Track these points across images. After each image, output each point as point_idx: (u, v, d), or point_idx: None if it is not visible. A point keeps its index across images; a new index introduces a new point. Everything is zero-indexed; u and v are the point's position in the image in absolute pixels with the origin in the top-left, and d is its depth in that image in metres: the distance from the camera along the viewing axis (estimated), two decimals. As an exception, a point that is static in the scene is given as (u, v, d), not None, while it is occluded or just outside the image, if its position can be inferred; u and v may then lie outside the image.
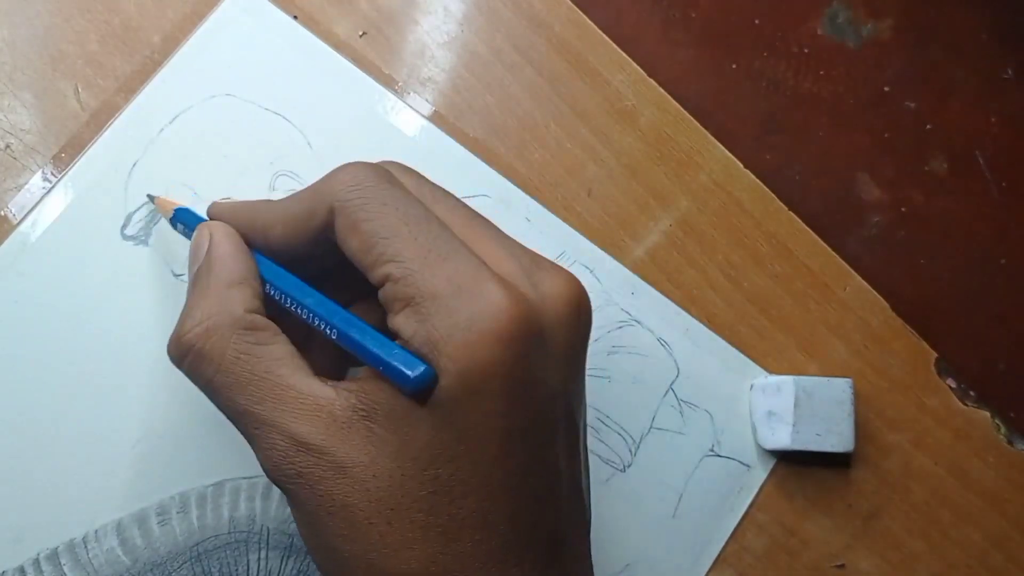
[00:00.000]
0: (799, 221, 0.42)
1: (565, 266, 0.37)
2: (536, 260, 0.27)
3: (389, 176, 0.26)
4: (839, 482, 0.41)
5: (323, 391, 0.25)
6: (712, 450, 0.40)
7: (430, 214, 0.26)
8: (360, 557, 0.24)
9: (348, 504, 0.24)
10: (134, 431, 0.35)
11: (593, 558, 0.29)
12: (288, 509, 0.37)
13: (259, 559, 0.37)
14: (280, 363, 0.25)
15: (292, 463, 0.24)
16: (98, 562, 0.35)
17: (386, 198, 0.25)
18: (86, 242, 0.35)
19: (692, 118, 0.42)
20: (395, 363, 0.23)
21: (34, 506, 0.34)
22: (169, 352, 0.27)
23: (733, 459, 0.40)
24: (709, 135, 0.42)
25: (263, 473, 0.35)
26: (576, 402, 0.27)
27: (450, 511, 0.24)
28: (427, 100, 0.39)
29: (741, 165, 0.42)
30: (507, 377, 0.23)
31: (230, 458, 0.36)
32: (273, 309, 0.28)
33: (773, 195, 0.42)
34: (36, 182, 0.35)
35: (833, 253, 0.42)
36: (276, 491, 0.37)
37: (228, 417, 0.26)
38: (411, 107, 0.39)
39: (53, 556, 0.35)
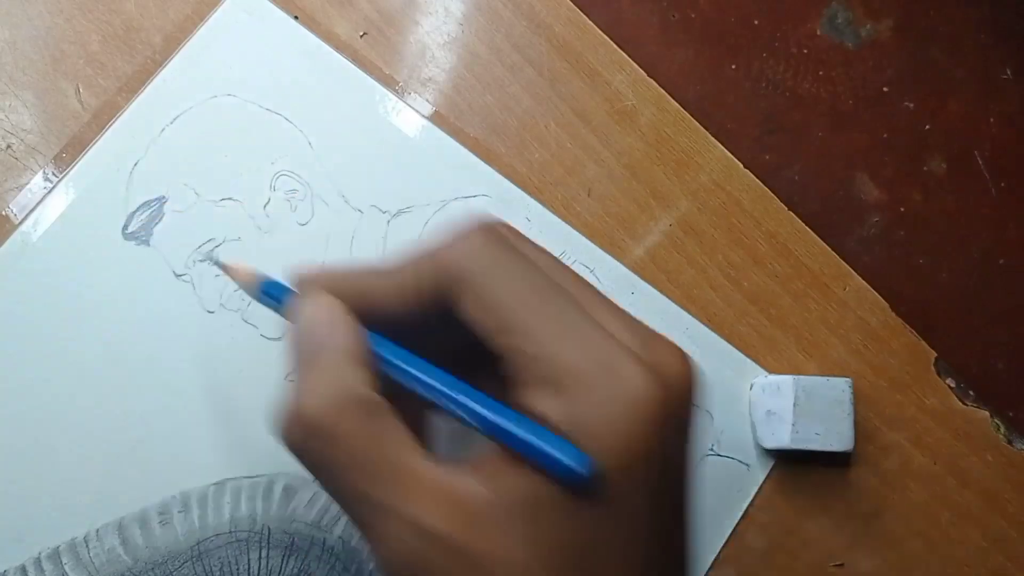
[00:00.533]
0: (799, 221, 0.42)
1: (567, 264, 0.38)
2: (648, 333, 0.26)
3: (510, 244, 0.25)
4: (838, 482, 0.41)
5: (448, 476, 0.23)
6: (712, 449, 0.40)
7: (557, 286, 0.24)
8: None
9: None
10: (135, 431, 0.35)
11: None
12: (288, 508, 0.37)
13: (260, 558, 0.37)
14: (403, 445, 0.24)
15: (415, 553, 0.22)
16: (99, 561, 0.34)
17: (514, 270, 0.24)
18: (87, 242, 0.35)
19: (692, 118, 0.42)
20: (563, 458, 0.22)
21: (35, 505, 0.34)
22: (286, 431, 0.24)
23: (733, 459, 0.40)
24: (709, 135, 0.42)
25: (264, 472, 0.37)
26: (689, 467, 0.26)
27: None
28: (427, 100, 0.39)
29: (741, 165, 0.42)
30: (657, 460, 0.23)
31: (231, 458, 0.36)
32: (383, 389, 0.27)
33: (773, 195, 0.42)
34: (37, 182, 0.35)
35: (833, 253, 0.42)
36: (277, 491, 0.36)
37: (340, 501, 0.24)
38: (411, 107, 0.39)
39: (55, 555, 0.35)
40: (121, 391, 0.35)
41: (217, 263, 0.33)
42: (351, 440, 0.23)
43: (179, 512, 0.36)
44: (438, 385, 0.24)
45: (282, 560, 0.37)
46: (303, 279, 0.28)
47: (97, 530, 0.34)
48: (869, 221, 0.45)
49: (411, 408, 0.26)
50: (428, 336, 0.27)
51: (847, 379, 0.39)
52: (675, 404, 0.24)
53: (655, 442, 0.23)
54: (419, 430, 0.27)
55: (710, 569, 0.39)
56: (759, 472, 0.40)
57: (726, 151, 0.42)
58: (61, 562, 0.34)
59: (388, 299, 0.26)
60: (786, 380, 0.39)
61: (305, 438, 0.24)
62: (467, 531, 0.22)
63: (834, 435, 0.39)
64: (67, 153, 0.35)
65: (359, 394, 0.24)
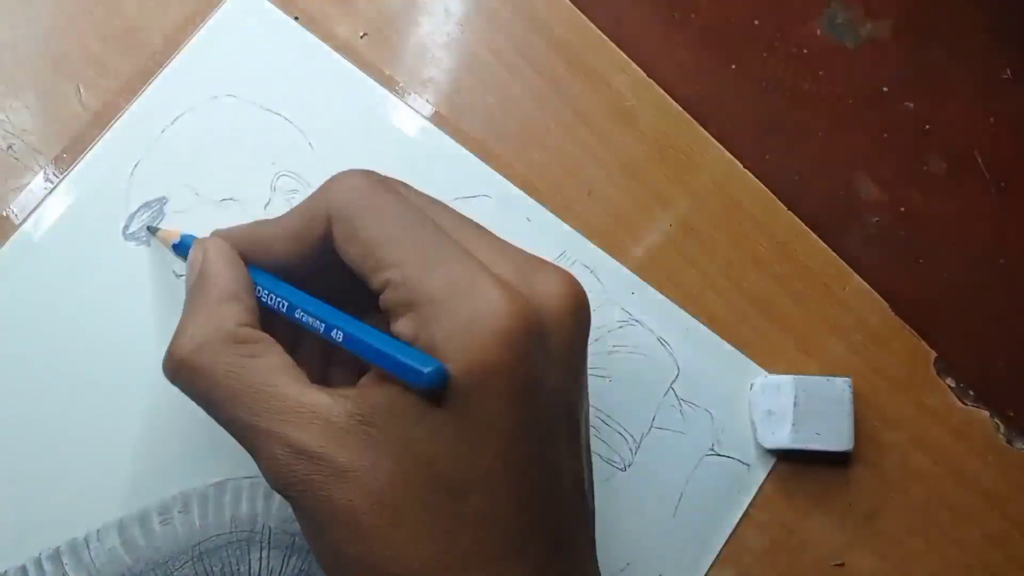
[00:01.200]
0: (799, 222, 0.42)
1: (565, 266, 0.38)
2: (532, 261, 0.27)
3: (383, 182, 0.27)
4: (839, 481, 0.41)
5: (319, 398, 0.25)
6: (712, 449, 0.40)
7: (426, 218, 0.26)
8: (364, 559, 0.24)
9: (351, 508, 0.24)
10: (135, 431, 0.34)
11: (599, 553, 0.28)
12: (290, 509, 0.37)
13: (261, 558, 0.37)
14: (274, 373, 0.26)
15: (293, 471, 0.24)
16: (100, 561, 0.34)
17: (382, 205, 0.26)
18: (88, 243, 0.35)
19: (692, 119, 0.41)
20: (408, 360, 0.23)
21: (35, 505, 0.33)
22: (164, 369, 0.27)
23: (733, 458, 0.40)
24: (709, 136, 0.42)
25: None
26: (577, 401, 0.27)
27: (452, 509, 0.24)
28: (428, 101, 0.39)
29: (741, 165, 0.42)
30: (509, 376, 0.23)
31: (232, 458, 0.35)
32: (268, 322, 0.28)
33: (773, 196, 0.42)
34: (38, 183, 0.35)
35: (832, 253, 0.42)
36: None
37: (228, 430, 0.26)
38: (412, 108, 0.39)
39: (55, 555, 0.34)
40: (121, 391, 0.34)
41: (149, 229, 0.34)
42: (220, 374, 0.25)
43: (180, 512, 0.36)
44: (311, 309, 0.26)
45: (283, 560, 0.37)
46: (212, 234, 0.30)
47: (98, 530, 0.35)
48: (869, 221, 0.45)
49: (293, 340, 0.29)
50: (325, 280, 0.28)
51: (847, 378, 0.39)
52: (541, 324, 0.24)
53: (506, 356, 0.23)
54: (301, 360, 0.28)
55: (710, 568, 0.39)
56: (759, 471, 0.40)
57: (726, 152, 0.42)
58: (62, 562, 0.34)
59: (278, 243, 0.28)
60: (786, 380, 0.39)
61: (181, 376, 0.26)
62: (328, 443, 0.24)
63: (834, 435, 0.38)
64: (68, 154, 0.35)
65: (227, 330, 0.26)
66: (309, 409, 0.24)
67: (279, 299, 0.28)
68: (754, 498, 0.40)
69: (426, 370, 0.23)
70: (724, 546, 0.39)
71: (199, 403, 0.27)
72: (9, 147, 0.35)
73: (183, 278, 0.37)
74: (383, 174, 0.28)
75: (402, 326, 0.25)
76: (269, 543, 0.37)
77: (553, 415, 0.25)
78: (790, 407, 0.38)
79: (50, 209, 0.35)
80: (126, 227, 0.36)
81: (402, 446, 0.24)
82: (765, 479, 0.40)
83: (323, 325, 0.26)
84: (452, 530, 0.24)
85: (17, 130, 0.35)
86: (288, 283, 0.29)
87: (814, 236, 0.42)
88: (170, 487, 0.34)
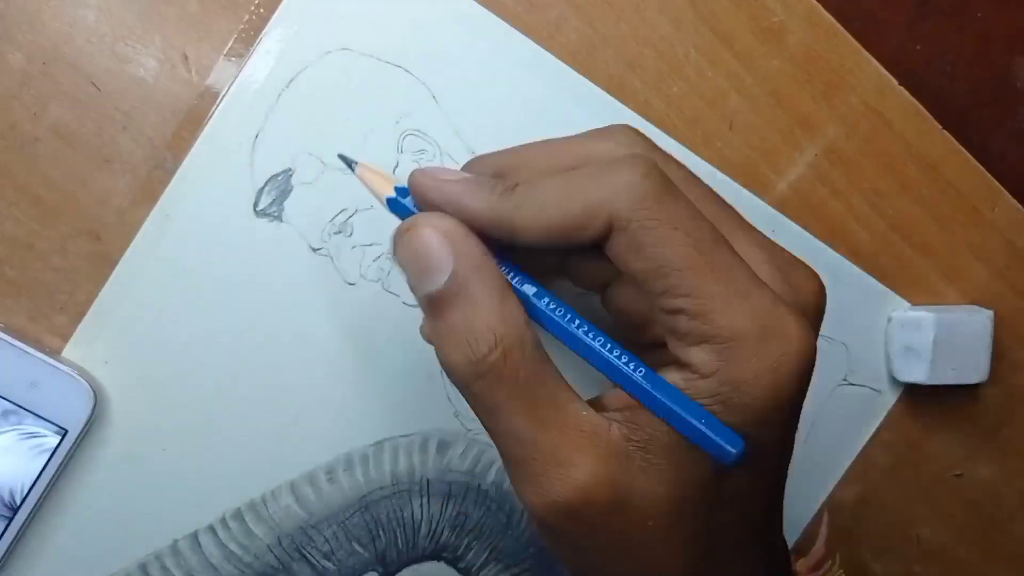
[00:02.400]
0: (951, 139, 0.36)
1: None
2: (785, 258, 0.25)
3: (672, 186, 0.22)
4: (967, 399, 0.38)
5: (597, 419, 0.23)
6: (845, 379, 0.37)
7: (719, 235, 0.22)
8: (630, 574, 0.24)
9: (625, 533, 0.23)
10: (296, 403, 0.34)
11: None
12: (444, 460, 0.39)
13: (422, 505, 0.35)
14: (559, 386, 0.23)
15: (570, 497, 0.22)
16: (278, 517, 0.34)
17: (674, 217, 0.22)
18: (221, 223, 0.32)
19: (845, 31, 0.34)
20: (718, 439, 0.22)
21: (212, 475, 0.33)
22: (458, 372, 0.23)
23: (865, 386, 0.38)
24: (862, 49, 0.35)
25: (418, 431, 0.35)
26: None
27: (721, 518, 0.24)
28: (557, 37, 0.33)
29: (896, 82, 0.35)
30: (796, 406, 0.23)
31: (387, 419, 0.35)
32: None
33: (927, 113, 0.36)
34: (159, 165, 0.31)
35: (986, 173, 0.37)
36: (432, 445, 0.35)
37: (500, 440, 0.23)
38: (540, 46, 0.33)
39: (237, 514, 0.37)
40: (276, 367, 0.33)
41: (346, 162, 0.27)
42: (519, 383, 0.22)
43: (344, 471, 0.34)
44: (582, 339, 0.23)
45: (442, 506, 0.36)
46: (424, 193, 0.24)
47: (272, 491, 0.34)
48: (1020, 113, 0.42)
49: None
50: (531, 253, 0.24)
51: (989, 312, 0.36)
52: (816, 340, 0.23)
53: (800, 391, 0.22)
54: None
55: (836, 486, 0.38)
56: (890, 397, 0.38)
57: (880, 67, 0.35)
58: (244, 520, 0.37)
59: (535, 234, 0.23)
60: (927, 317, 0.36)
61: (474, 379, 0.23)
62: (607, 466, 0.22)
63: (970, 369, 0.36)
64: (185, 131, 0.31)
65: (522, 333, 0.22)
66: (591, 429, 0.22)
67: (567, 332, 0.24)
68: (882, 421, 0.38)
69: (734, 451, 0.21)
70: (851, 465, 0.38)
71: (482, 409, 0.23)
72: (124, 128, 0.31)
73: (320, 251, 0.36)
74: (661, 158, 0.24)
75: (699, 357, 0.22)
76: (428, 492, 0.36)
77: (796, 422, 0.24)
78: (929, 344, 0.35)
79: (178, 191, 0.32)
80: (256, 203, 0.32)
81: (684, 478, 0.23)
82: (895, 403, 0.38)
83: (624, 374, 0.23)
84: (715, 533, 0.24)
85: (132, 109, 0.31)
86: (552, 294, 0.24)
87: (967, 154, 0.36)
88: (333, 450, 0.34)
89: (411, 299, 0.34)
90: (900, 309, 0.37)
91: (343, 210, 0.33)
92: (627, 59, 0.33)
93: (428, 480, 0.36)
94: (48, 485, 0.31)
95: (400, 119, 0.33)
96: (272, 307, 0.33)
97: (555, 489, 0.22)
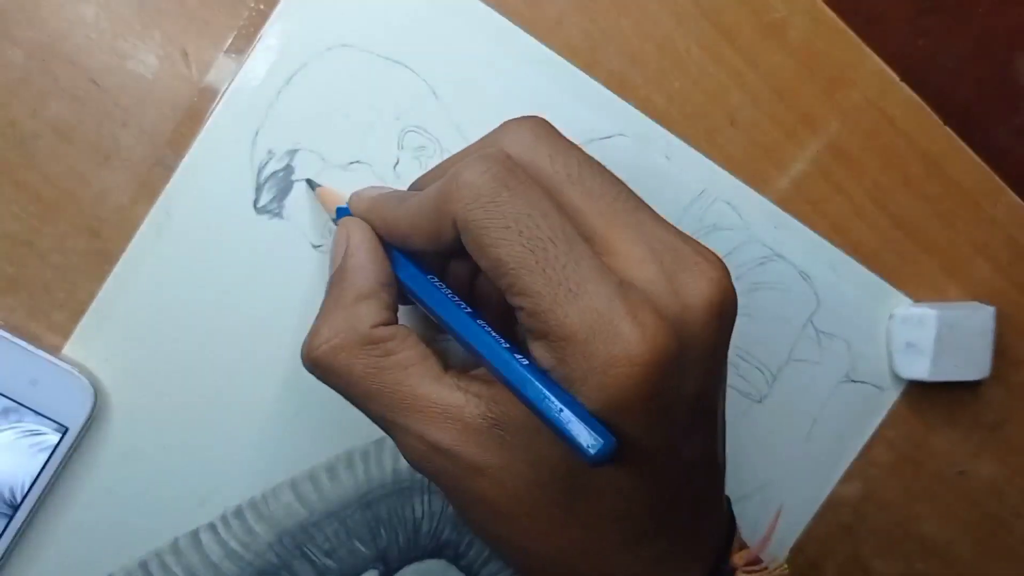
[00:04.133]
0: (954, 135, 0.36)
1: (706, 206, 0.36)
2: (679, 255, 0.24)
3: (510, 178, 0.23)
4: (968, 397, 0.38)
5: (453, 397, 0.24)
6: (847, 376, 0.37)
7: (557, 230, 0.22)
8: (504, 538, 0.25)
9: (488, 499, 0.24)
10: (296, 400, 0.33)
11: (730, 479, 0.28)
12: None
13: (423, 502, 0.35)
14: (409, 372, 0.25)
15: (431, 462, 0.25)
16: (279, 514, 0.34)
17: (509, 219, 0.22)
18: (221, 220, 0.32)
19: (847, 27, 0.34)
20: (577, 438, 0.22)
21: (213, 472, 0.33)
22: (303, 363, 0.27)
23: (867, 383, 0.38)
24: (864, 45, 0.35)
25: None
26: (714, 388, 0.25)
27: (588, 508, 0.24)
28: (558, 33, 0.33)
29: (898, 78, 0.35)
30: (643, 409, 0.22)
31: None
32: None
33: (929, 109, 0.36)
34: (160, 161, 0.31)
35: (987, 168, 0.37)
36: None
37: (368, 418, 0.26)
38: (542, 42, 0.33)
39: (238, 512, 0.36)
40: (277, 364, 0.33)
41: (309, 184, 0.32)
42: (355, 375, 0.25)
43: (345, 469, 0.34)
44: (466, 335, 0.25)
45: (443, 503, 0.35)
46: (351, 203, 0.29)
47: (273, 489, 0.34)
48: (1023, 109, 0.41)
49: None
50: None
51: (991, 308, 0.36)
52: (682, 339, 0.22)
53: (640, 393, 0.22)
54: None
55: (838, 482, 0.38)
56: (892, 393, 0.38)
57: (882, 63, 0.35)
58: (245, 517, 0.37)
59: (413, 239, 0.26)
60: (929, 314, 0.36)
61: (317, 373, 0.26)
62: (463, 443, 0.24)
63: (973, 365, 0.36)
64: (184, 127, 0.31)
65: (362, 333, 0.25)
66: (443, 409, 0.24)
67: (432, 312, 0.26)
68: (884, 418, 0.38)
69: (593, 452, 0.21)
70: (853, 462, 0.38)
71: (340, 394, 0.26)
72: (124, 124, 0.30)
73: (321, 247, 0.36)
74: (524, 129, 0.25)
75: (538, 352, 0.23)
76: (429, 489, 0.35)
77: (688, 420, 0.24)
78: (931, 341, 0.35)
79: (176, 190, 0.31)
80: (256, 200, 0.32)
81: (536, 456, 0.23)
82: (897, 400, 0.38)
83: (487, 357, 0.24)
84: (588, 524, 0.24)
85: (131, 106, 0.31)
86: (436, 282, 0.27)
87: (969, 150, 0.36)
88: (333, 448, 0.34)
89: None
90: (902, 305, 0.37)
91: (344, 207, 0.33)
92: (628, 55, 0.33)
93: (429, 478, 0.36)
94: (48, 483, 0.30)
95: (401, 116, 0.33)
96: (273, 304, 0.33)
97: (415, 456, 0.25)
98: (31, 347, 0.30)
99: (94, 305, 0.31)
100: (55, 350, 0.30)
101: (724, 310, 0.24)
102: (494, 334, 0.24)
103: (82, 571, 0.32)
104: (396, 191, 0.28)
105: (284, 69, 0.32)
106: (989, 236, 0.37)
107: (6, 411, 0.30)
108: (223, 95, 0.31)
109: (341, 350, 0.25)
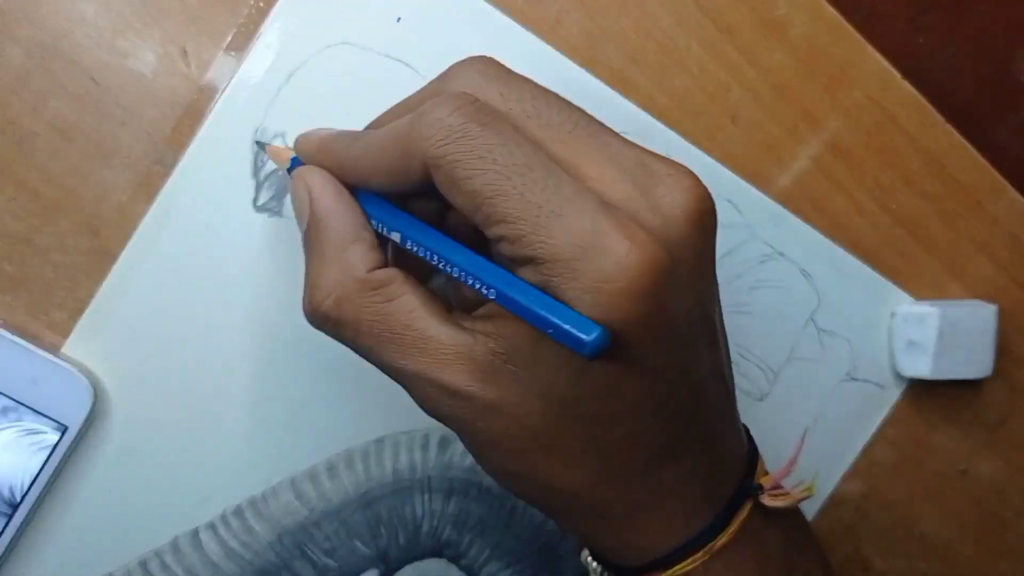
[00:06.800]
0: (955, 133, 0.36)
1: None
2: (650, 170, 0.24)
3: (479, 113, 0.23)
4: (970, 394, 0.38)
5: (461, 338, 0.24)
6: (848, 374, 0.37)
7: (532, 156, 0.22)
8: (525, 476, 0.25)
9: (507, 436, 0.24)
10: (295, 398, 0.33)
11: None
12: (445, 457, 0.39)
13: (423, 501, 0.35)
14: (414, 315, 0.24)
15: (447, 406, 0.24)
16: (279, 513, 0.34)
17: (482, 150, 0.22)
18: (220, 219, 0.32)
19: (848, 24, 0.34)
20: (571, 329, 0.21)
21: (213, 471, 0.33)
22: (308, 319, 0.26)
23: (869, 381, 0.38)
24: (866, 43, 0.35)
25: (419, 427, 0.35)
26: (709, 300, 0.25)
27: (601, 436, 0.24)
28: (559, 30, 0.33)
29: (899, 75, 0.35)
30: (644, 326, 0.22)
31: (386, 415, 0.35)
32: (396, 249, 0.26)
33: (930, 107, 0.36)
34: (159, 160, 0.31)
35: (989, 167, 0.37)
36: (433, 442, 0.35)
37: (381, 370, 0.25)
38: (543, 40, 0.33)
39: (238, 511, 0.36)
40: (276, 363, 0.33)
41: (257, 144, 0.32)
42: (363, 324, 0.24)
43: (345, 468, 0.34)
44: (451, 261, 0.24)
45: (443, 502, 0.35)
46: (298, 147, 0.28)
47: (273, 488, 0.34)
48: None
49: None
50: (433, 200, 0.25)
51: (993, 307, 0.36)
52: (675, 255, 0.22)
53: (639, 309, 0.22)
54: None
55: (840, 481, 0.38)
56: (893, 392, 0.38)
57: (883, 60, 0.35)
58: (245, 516, 0.37)
59: (374, 180, 0.25)
60: (931, 312, 0.35)
61: (326, 329, 0.25)
62: (476, 382, 0.24)
63: (975, 363, 0.36)
64: (184, 126, 0.31)
65: (360, 279, 0.24)
66: (453, 349, 0.24)
67: (414, 244, 0.25)
68: (886, 416, 0.38)
69: (588, 339, 0.21)
70: (854, 461, 0.38)
71: (348, 346, 0.26)
72: (123, 124, 0.30)
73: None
74: (473, 67, 0.25)
75: (526, 277, 0.23)
76: (430, 488, 0.35)
77: (690, 334, 0.24)
78: (933, 339, 0.35)
79: (175, 187, 0.31)
80: (256, 198, 0.32)
81: (547, 386, 0.23)
82: (898, 399, 0.38)
83: (472, 279, 0.24)
84: (603, 452, 0.24)
85: (131, 103, 0.31)
86: (410, 217, 0.26)
87: (970, 148, 0.36)
88: (333, 446, 0.34)
89: (412, 294, 0.34)
90: (904, 304, 0.37)
91: (344, 205, 0.33)
92: (629, 53, 0.33)
93: (430, 477, 0.36)
94: (48, 482, 0.30)
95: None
96: (272, 302, 0.33)
97: (433, 404, 0.25)
98: (31, 346, 0.30)
99: (94, 304, 0.31)
100: (55, 349, 0.30)
101: (705, 218, 0.24)
102: (473, 253, 0.24)
103: (82, 570, 0.32)
104: (344, 131, 0.27)
105: (284, 67, 0.32)
106: (990, 234, 0.37)
107: (6, 410, 0.30)
108: (223, 93, 0.31)
109: (345, 301, 0.25)
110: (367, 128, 0.28)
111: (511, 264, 0.23)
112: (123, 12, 0.30)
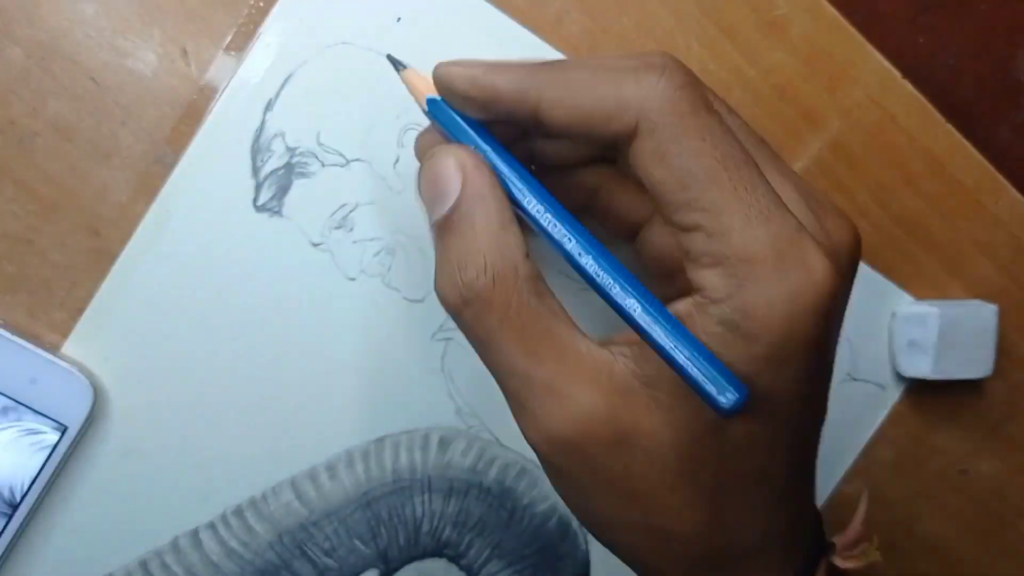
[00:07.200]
0: (955, 132, 0.36)
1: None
2: (819, 202, 0.23)
3: (707, 102, 0.21)
4: (971, 394, 0.38)
5: (601, 354, 0.22)
6: (849, 375, 0.37)
7: (748, 157, 0.21)
8: (638, 523, 0.23)
9: (630, 474, 0.22)
10: (295, 398, 0.33)
11: None
12: (445, 457, 0.39)
13: (423, 502, 0.35)
14: (559, 320, 0.22)
15: (569, 432, 0.22)
16: (279, 513, 0.34)
17: (705, 131, 0.21)
18: (220, 219, 0.32)
19: (848, 24, 0.34)
20: (712, 391, 0.20)
21: (213, 471, 0.33)
22: (446, 298, 0.23)
23: (869, 381, 0.37)
24: (866, 42, 0.35)
25: (419, 427, 0.34)
26: (837, 341, 0.24)
27: (735, 469, 0.22)
28: (560, 29, 0.33)
29: (899, 75, 0.35)
30: (815, 348, 0.21)
31: (387, 415, 0.35)
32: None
33: (931, 106, 0.35)
34: (159, 160, 0.31)
35: (990, 166, 0.37)
36: (433, 442, 0.35)
37: (496, 373, 0.23)
38: (541, 39, 0.33)
39: (238, 511, 0.34)
40: (276, 363, 0.33)
41: (394, 62, 0.28)
42: (511, 313, 0.22)
43: (345, 468, 0.34)
44: (584, 265, 0.22)
45: (443, 502, 0.35)
46: (443, 78, 0.24)
47: (273, 488, 0.34)
48: None
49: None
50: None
51: (994, 307, 0.36)
52: (845, 286, 0.22)
53: (820, 330, 0.21)
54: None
55: (840, 481, 0.38)
56: (894, 392, 0.38)
57: (884, 60, 0.35)
58: (245, 516, 0.37)
59: (559, 113, 0.22)
60: (931, 312, 0.35)
61: (470, 309, 0.22)
62: (612, 403, 0.21)
63: (975, 363, 0.36)
64: (185, 125, 0.31)
65: (518, 263, 0.22)
66: (592, 364, 0.22)
67: (583, 258, 0.22)
68: (886, 416, 0.38)
69: (727, 405, 0.20)
70: (855, 461, 0.38)
71: (475, 339, 0.23)
72: (123, 123, 0.30)
73: (320, 246, 0.35)
74: (690, 77, 0.22)
75: (710, 280, 0.21)
76: (430, 489, 0.35)
77: (829, 370, 0.23)
78: (933, 339, 0.35)
79: (175, 187, 0.31)
80: (256, 198, 0.32)
81: (687, 416, 0.21)
82: (899, 398, 0.38)
83: (635, 306, 0.21)
84: (731, 488, 0.22)
85: (131, 103, 0.31)
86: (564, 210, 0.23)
87: (971, 148, 0.36)
88: (333, 447, 0.34)
89: (412, 294, 0.34)
90: (904, 304, 0.37)
91: (343, 205, 0.33)
92: (629, 52, 0.33)
93: (430, 477, 0.36)
94: (48, 482, 0.30)
95: (401, 114, 0.33)
96: (272, 302, 0.33)
97: (552, 423, 0.22)
98: (30, 345, 0.30)
99: (93, 304, 0.31)
100: (54, 349, 0.30)
101: (857, 259, 0.24)
102: (631, 277, 0.22)
103: (82, 570, 0.32)
104: (515, 62, 0.24)
105: (284, 67, 0.32)
106: (991, 234, 0.37)
107: (5, 410, 0.30)
108: (222, 93, 0.31)
109: (502, 281, 0.22)
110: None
111: (694, 259, 0.21)
112: (123, 12, 0.30)
